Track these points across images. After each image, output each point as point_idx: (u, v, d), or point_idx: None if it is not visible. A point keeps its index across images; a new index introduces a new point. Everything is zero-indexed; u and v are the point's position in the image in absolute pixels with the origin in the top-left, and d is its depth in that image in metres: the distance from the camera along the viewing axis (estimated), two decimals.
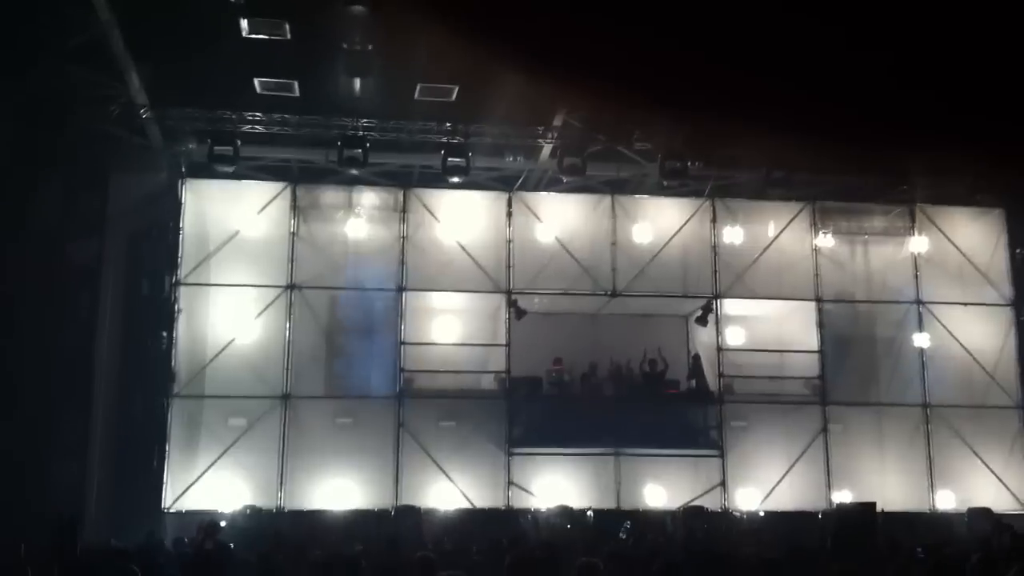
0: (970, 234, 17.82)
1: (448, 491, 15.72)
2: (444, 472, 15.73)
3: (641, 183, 17.32)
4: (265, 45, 14.22)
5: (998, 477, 16.62)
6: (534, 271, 16.68)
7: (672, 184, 16.64)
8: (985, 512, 15.46)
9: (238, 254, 16.16)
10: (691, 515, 15.04)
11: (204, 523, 11.88)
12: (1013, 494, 16.53)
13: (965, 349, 17.12)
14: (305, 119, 15.72)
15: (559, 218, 17.05)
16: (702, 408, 16.78)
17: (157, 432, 15.38)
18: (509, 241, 16.77)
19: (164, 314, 15.88)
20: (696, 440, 16.52)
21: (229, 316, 16.03)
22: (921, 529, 14.06)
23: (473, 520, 14.87)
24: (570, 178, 16.31)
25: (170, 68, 14.56)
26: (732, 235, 17.28)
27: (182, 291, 15.97)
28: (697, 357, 17.31)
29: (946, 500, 16.50)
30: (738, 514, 16.04)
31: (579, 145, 16.04)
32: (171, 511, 15.06)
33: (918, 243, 17.60)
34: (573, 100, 14.68)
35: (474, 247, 16.67)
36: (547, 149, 16.38)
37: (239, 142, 15.56)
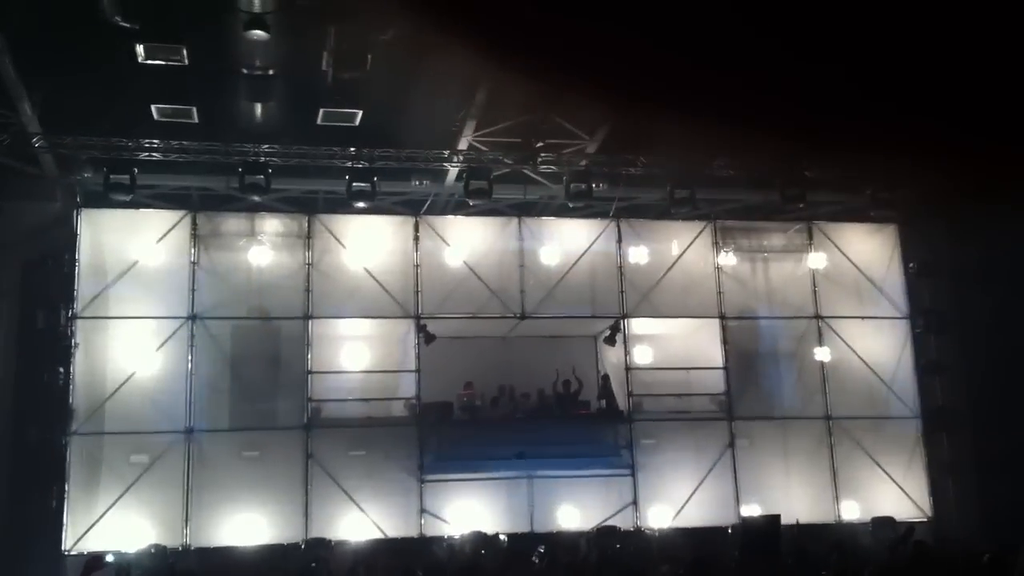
0: (865, 249, 18.38)
1: (360, 521, 15.48)
2: (355, 502, 15.49)
3: (547, 205, 17.44)
4: (162, 71, 13.92)
5: (899, 486, 17.12)
6: (443, 295, 16.63)
7: (578, 205, 16.78)
8: (888, 521, 15.90)
9: (137, 285, 15.70)
10: (604, 535, 15.11)
11: (88, 559, 11.37)
12: (914, 502, 17.04)
13: (864, 362, 17.63)
14: (205, 145, 15.40)
15: (467, 241, 17.03)
16: (612, 427, 16.88)
17: (55, 471, 14.81)
18: (416, 266, 16.69)
19: (60, 348, 15.33)
20: (607, 460, 16.60)
21: (129, 349, 15.55)
22: (827, 539, 14.35)
23: (386, 550, 14.68)
24: (477, 201, 16.30)
25: (63, 95, 14.13)
26: (637, 255, 17.50)
27: (79, 324, 15.44)
28: (606, 377, 17.46)
29: (851, 510, 16.92)
30: (650, 532, 16.17)
31: (485, 168, 16.07)
32: (71, 553, 14.48)
33: (816, 259, 18.08)
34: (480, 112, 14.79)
35: (381, 272, 16.53)
36: (453, 172, 16.36)
37: (136, 170, 15.17)
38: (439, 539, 15.23)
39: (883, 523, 15.89)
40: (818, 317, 17.80)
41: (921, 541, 12.49)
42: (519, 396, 16.85)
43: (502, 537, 14.98)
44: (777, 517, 13.53)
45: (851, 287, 18.08)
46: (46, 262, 15.89)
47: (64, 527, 14.62)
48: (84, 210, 15.93)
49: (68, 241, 15.72)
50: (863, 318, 17.94)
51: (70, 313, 15.42)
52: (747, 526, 14.06)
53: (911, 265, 18.38)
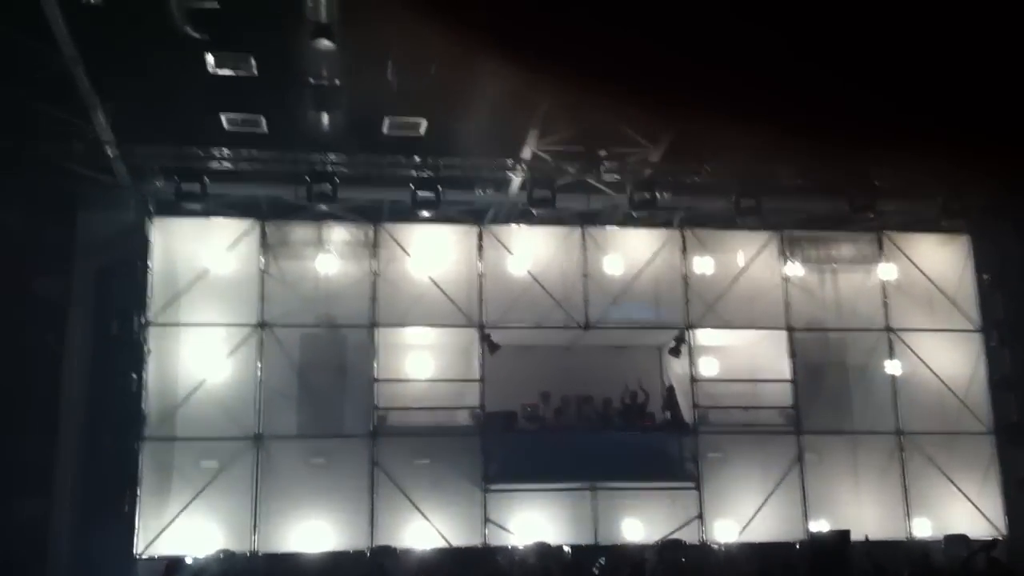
0: (937, 260, 18.00)
1: (424, 530, 15.54)
2: (420, 511, 15.55)
3: (611, 214, 17.35)
4: (231, 80, 14.14)
5: (973, 503, 16.71)
6: (506, 304, 16.63)
7: (642, 215, 16.69)
8: (961, 538, 15.53)
9: (207, 292, 15.96)
10: (669, 548, 14.97)
11: (168, 562, 11.53)
12: (988, 520, 16.62)
13: (936, 375, 17.24)
14: (273, 154, 15.62)
15: (530, 251, 17.02)
16: (677, 440, 16.71)
17: (128, 475, 15.07)
18: (480, 275, 16.72)
19: (134, 354, 15.60)
20: (673, 472, 16.43)
21: (199, 356, 15.80)
22: (899, 557, 14.06)
23: (450, 559, 14.69)
24: (540, 210, 16.31)
25: (136, 105, 14.40)
26: (702, 265, 17.33)
27: (151, 331, 15.71)
28: (671, 388, 17.31)
29: (922, 527, 16.56)
30: (716, 546, 15.98)
31: (548, 177, 16.05)
32: (143, 557, 14.73)
33: (886, 270, 17.75)
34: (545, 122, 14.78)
35: (445, 281, 16.59)
36: (517, 181, 16.36)
37: (207, 179, 15.46)
38: (503, 548, 15.21)
39: (956, 540, 15.52)
40: (888, 330, 17.46)
41: (995, 558, 12.20)
42: (583, 404, 16.75)
43: (566, 549, 14.91)
44: (847, 532, 13.29)
45: (922, 298, 17.71)
46: (119, 270, 16.18)
47: (136, 531, 14.87)
48: (156, 219, 16.23)
49: (141, 249, 16.02)
50: (935, 331, 17.56)
51: (143, 320, 15.69)
52: (815, 541, 13.83)
53: (984, 276, 17.97)
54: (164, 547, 14.73)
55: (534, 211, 16.40)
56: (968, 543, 15.23)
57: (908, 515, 16.60)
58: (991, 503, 16.89)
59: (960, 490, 16.74)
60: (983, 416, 17.33)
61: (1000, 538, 16.16)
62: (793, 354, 17.14)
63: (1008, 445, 17.28)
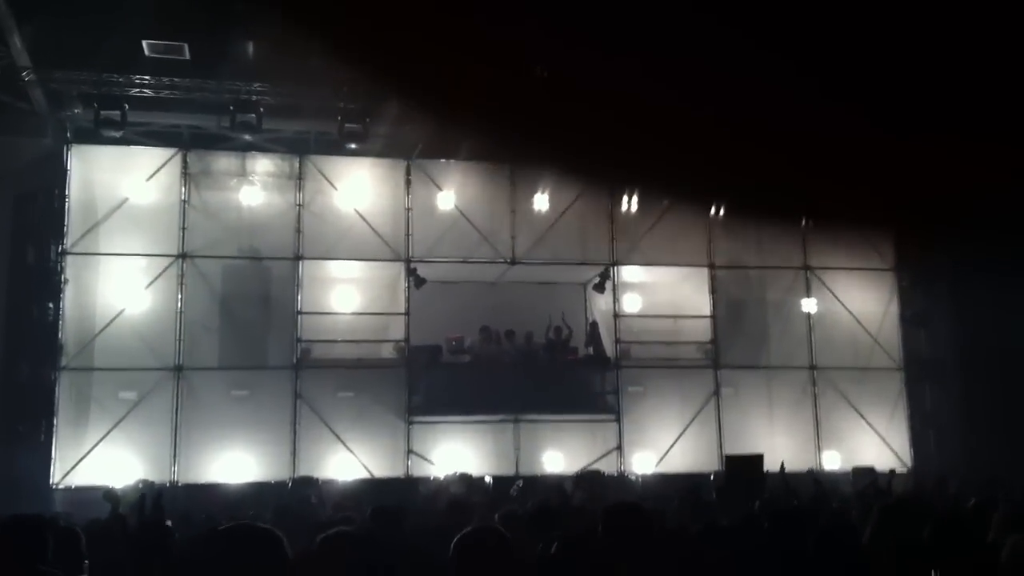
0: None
1: (347, 461, 15.66)
2: (343, 442, 15.65)
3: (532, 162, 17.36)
4: (154, 5, 13.76)
5: (881, 437, 17.34)
6: (434, 239, 16.65)
7: None
8: (868, 471, 16.09)
9: (127, 222, 15.70)
10: (586, 478, 15.26)
11: (105, 492, 11.34)
12: (895, 452, 17.26)
13: (850, 313, 17.75)
14: (196, 83, 15.31)
15: (458, 186, 16.99)
16: (599, 374, 17.02)
17: (44, 405, 14.91)
18: (408, 209, 16.69)
19: (50, 284, 15.35)
20: (594, 405, 16.77)
21: (119, 286, 15.58)
22: (808, 485, 14.52)
23: (372, 489, 14.83)
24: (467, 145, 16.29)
25: (54, 29, 13.98)
26: (628, 203, 17.47)
27: (69, 260, 15.44)
28: (595, 324, 17.56)
29: (832, 460, 17.14)
30: (634, 476, 16.38)
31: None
32: (60, 487, 14.65)
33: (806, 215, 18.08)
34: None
35: (372, 215, 16.55)
36: None
37: (127, 106, 15.13)
38: (424, 479, 15.40)
39: (863, 472, 16.06)
40: (806, 268, 17.88)
41: (883, 488, 12.64)
42: (507, 338, 16.92)
43: (487, 479, 15.12)
44: (760, 456, 13.69)
45: (840, 240, 18.10)
46: (36, 197, 15.85)
47: (53, 461, 14.75)
48: (75, 146, 15.88)
49: (58, 177, 15.67)
50: (850, 269, 18.03)
51: (60, 249, 15.42)
52: (731, 460, 14.22)
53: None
54: (82, 477, 14.64)
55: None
56: (875, 474, 15.78)
57: (819, 448, 17.18)
58: (898, 437, 17.55)
59: (869, 424, 17.35)
60: (894, 352, 17.93)
61: (906, 470, 16.82)
62: (713, 291, 17.48)
63: (916, 380, 17.91)
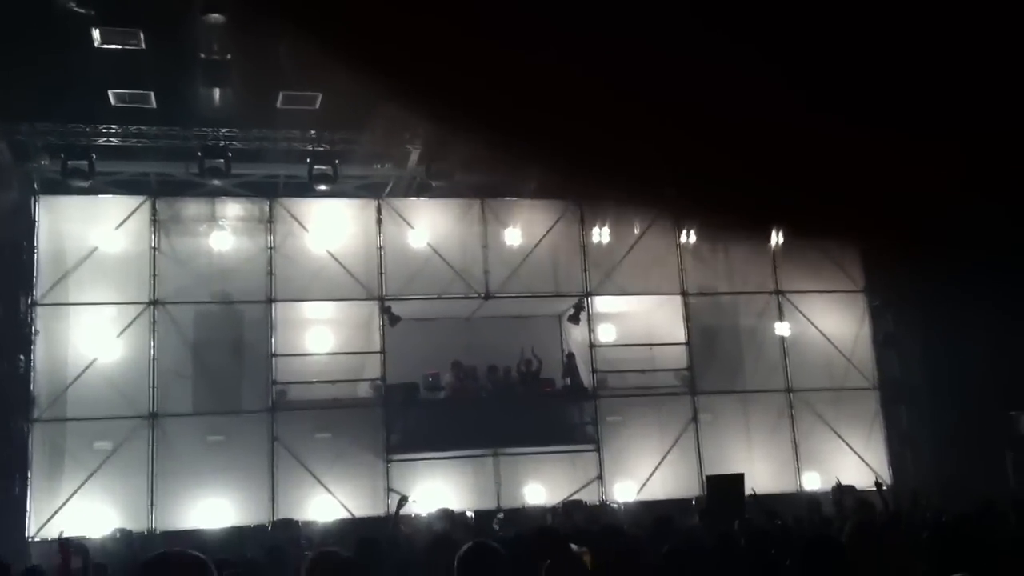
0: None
1: (327, 503, 15.54)
2: (322, 484, 15.54)
3: (510, 187, 17.50)
4: (119, 56, 13.81)
5: (859, 456, 17.42)
6: (407, 277, 16.67)
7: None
8: (849, 489, 16.13)
9: (97, 272, 15.64)
10: (570, 508, 15.24)
11: (60, 540, 11.21)
12: (874, 471, 17.27)
13: (823, 335, 17.89)
14: (163, 130, 15.36)
15: (430, 223, 17.08)
16: (577, 405, 17.04)
17: (17, 458, 14.73)
18: (380, 248, 16.72)
19: (20, 336, 15.22)
20: (573, 436, 16.76)
21: (90, 336, 15.49)
22: (789, 507, 14.56)
23: (353, 529, 14.68)
24: (439, 183, 16.39)
25: (18, 81, 13.99)
26: (600, 235, 17.60)
27: (39, 311, 15.35)
28: (571, 355, 17.59)
29: (812, 481, 17.18)
30: (615, 505, 16.34)
31: (447, 150, 16.09)
32: (36, 539, 14.43)
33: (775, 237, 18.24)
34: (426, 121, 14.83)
35: (345, 255, 16.57)
36: (415, 155, 16.37)
37: (94, 156, 15.15)
38: (406, 517, 15.25)
39: (844, 491, 16.11)
40: (778, 292, 18.03)
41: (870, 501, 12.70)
42: (482, 374, 16.92)
43: (469, 514, 15.05)
44: (741, 475, 13.72)
45: (810, 264, 18.28)
46: (3, 250, 15.74)
47: (28, 514, 14.55)
48: (42, 197, 15.85)
49: (26, 229, 15.62)
50: (822, 292, 18.20)
51: (29, 301, 15.32)
52: (712, 480, 14.23)
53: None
54: (57, 529, 14.38)
55: (433, 184, 16.47)
56: (855, 493, 15.83)
57: (799, 469, 17.23)
58: (876, 455, 17.63)
59: (847, 444, 17.42)
60: (868, 373, 18.06)
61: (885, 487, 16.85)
62: (688, 318, 17.58)
63: (891, 401, 18.03)
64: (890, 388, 18.08)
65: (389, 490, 15.76)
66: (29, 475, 14.71)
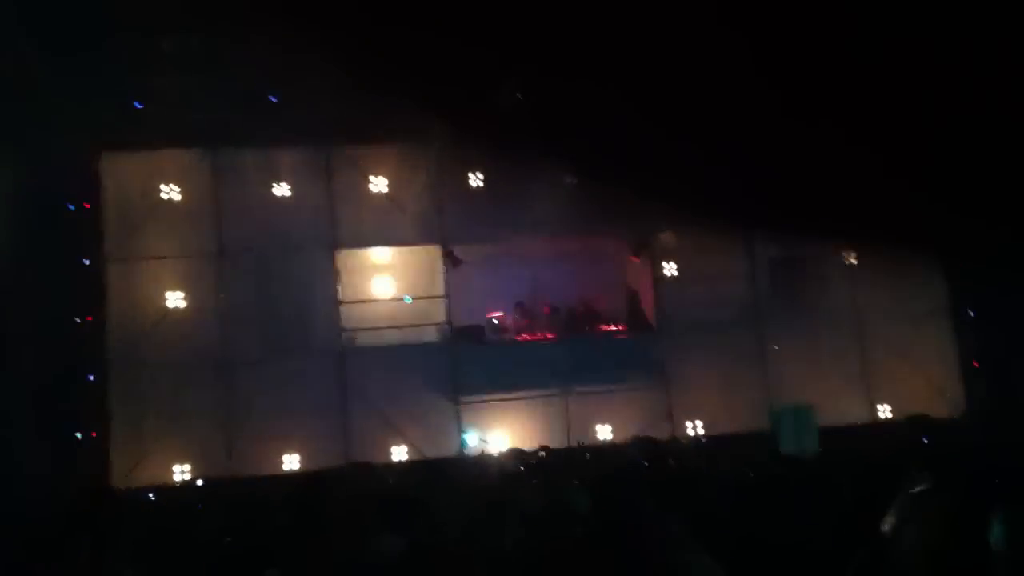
0: None
1: (400, 446, 15.69)
2: (393, 427, 15.66)
3: None
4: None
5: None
6: (466, 219, 16.57)
7: None
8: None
9: (163, 224, 15.82)
10: (641, 444, 15.22)
11: None
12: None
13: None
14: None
15: (488, 166, 16.91)
16: (642, 342, 16.94)
17: (95, 411, 14.98)
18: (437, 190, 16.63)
19: (94, 292, 15.41)
20: (638, 374, 16.65)
21: (160, 288, 15.70)
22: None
23: (428, 470, 14.82)
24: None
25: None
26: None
27: (109, 267, 15.59)
28: (636, 293, 17.53)
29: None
30: (685, 441, 16.31)
31: None
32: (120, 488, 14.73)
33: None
34: None
35: (405, 201, 16.53)
36: None
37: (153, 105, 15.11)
38: (480, 457, 15.40)
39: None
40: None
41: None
42: (549, 313, 16.93)
43: (541, 453, 15.12)
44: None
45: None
46: (68, 208, 15.81)
47: (111, 462, 14.85)
48: (105, 153, 15.92)
49: (92, 185, 15.70)
50: None
51: (100, 257, 15.53)
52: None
53: None
54: (140, 478, 14.75)
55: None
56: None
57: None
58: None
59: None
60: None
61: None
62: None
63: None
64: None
65: (461, 432, 15.87)
66: (111, 425, 14.97)
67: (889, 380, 17.16)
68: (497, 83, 15.74)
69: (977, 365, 17.24)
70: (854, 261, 17.59)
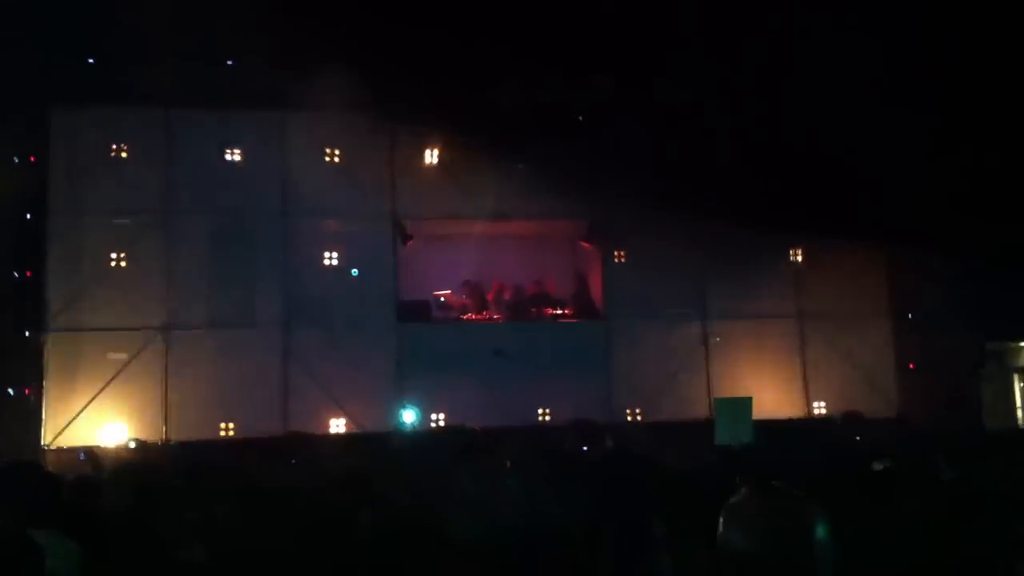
0: None
1: (338, 419, 15.66)
2: (332, 398, 15.62)
3: None
4: None
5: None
6: (420, 196, 16.55)
7: None
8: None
9: (111, 182, 15.61)
10: (582, 426, 15.29)
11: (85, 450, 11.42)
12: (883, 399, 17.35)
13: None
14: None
15: (444, 143, 16.87)
16: (588, 328, 17.03)
17: (32, 368, 14.80)
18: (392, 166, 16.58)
19: (35, 245, 15.20)
20: (583, 358, 16.74)
21: (103, 247, 15.51)
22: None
23: (364, 443, 14.83)
24: None
25: None
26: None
27: (52, 222, 15.38)
28: (583, 278, 17.60)
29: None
30: (624, 424, 16.43)
31: None
32: (51, 448, 14.58)
33: None
34: None
35: (358, 173, 16.45)
36: None
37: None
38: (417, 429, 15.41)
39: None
40: None
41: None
42: (491, 295, 16.97)
43: (477, 430, 15.15)
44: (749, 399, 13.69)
45: None
46: (14, 162, 15.56)
47: (43, 423, 14.67)
48: (56, 108, 15.64)
49: (40, 140, 15.45)
50: None
51: (42, 211, 15.31)
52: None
53: None
54: (72, 438, 14.61)
55: None
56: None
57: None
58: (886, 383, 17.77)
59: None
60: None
61: None
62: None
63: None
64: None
65: (402, 407, 15.86)
66: (45, 384, 14.79)
67: (827, 377, 17.41)
68: (458, 65, 15.74)
69: (913, 367, 17.46)
70: (799, 259, 17.79)
